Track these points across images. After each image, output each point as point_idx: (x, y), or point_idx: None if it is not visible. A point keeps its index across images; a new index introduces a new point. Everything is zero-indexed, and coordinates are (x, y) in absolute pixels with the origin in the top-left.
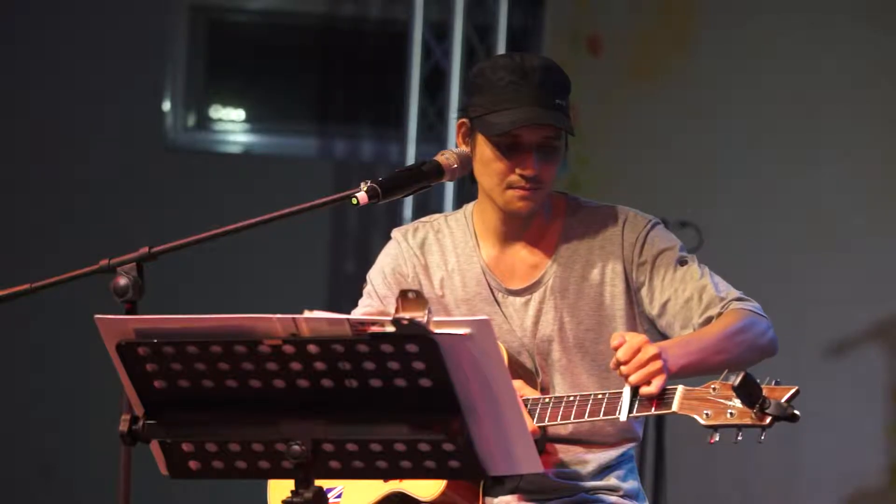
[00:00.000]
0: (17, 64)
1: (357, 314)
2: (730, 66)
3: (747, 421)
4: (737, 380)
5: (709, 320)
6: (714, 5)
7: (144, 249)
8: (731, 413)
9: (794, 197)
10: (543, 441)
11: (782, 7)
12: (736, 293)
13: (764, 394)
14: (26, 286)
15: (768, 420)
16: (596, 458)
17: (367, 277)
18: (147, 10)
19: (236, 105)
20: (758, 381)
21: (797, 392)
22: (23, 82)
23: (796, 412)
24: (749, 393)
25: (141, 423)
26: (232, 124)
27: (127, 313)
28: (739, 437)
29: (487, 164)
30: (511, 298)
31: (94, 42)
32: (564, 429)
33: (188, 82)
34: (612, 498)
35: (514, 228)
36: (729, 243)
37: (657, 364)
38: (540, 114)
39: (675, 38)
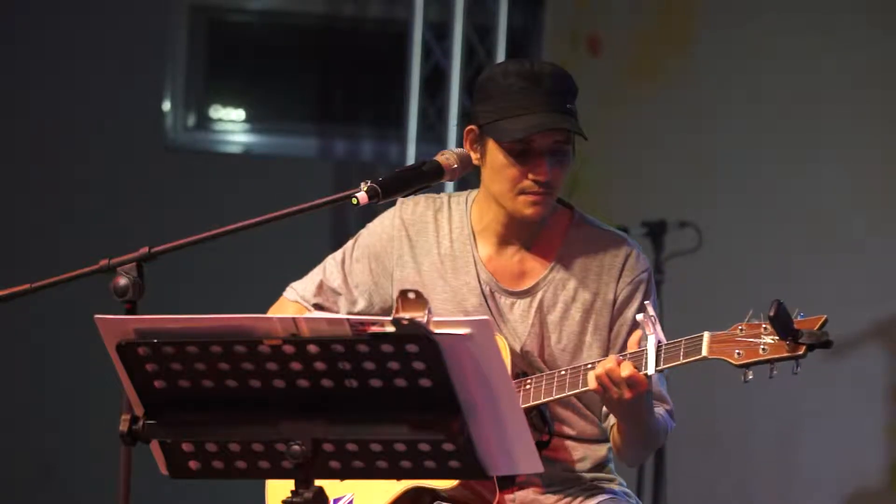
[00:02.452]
0: (17, 64)
1: (325, 265)
2: (730, 66)
3: (783, 353)
4: (772, 310)
5: None
6: (714, 5)
7: (144, 249)
8: (763, 349)
9: (794, 197)
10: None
11: (782, 7)
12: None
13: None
14: (26, 286)
15: (803, 350)
16: (593, 451)
17: (357, 235)
18: (147, 10)
19: (236, 105)
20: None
21: (826, 320)
22: (23, 82)
23: (830, 339)
24: (784, 322)
25: (141, 423)
26: (232, 124)
27: (127, 313)
28: (775, 373)
29: (500, 170)
30: (497, 296)
31: (94, 42)
32: (561, 427)
33: (188, 82)
34: (617, 487)
35: (513, 232)
36: (729, 243)
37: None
38: (555, 119)
39: (675, 38)
